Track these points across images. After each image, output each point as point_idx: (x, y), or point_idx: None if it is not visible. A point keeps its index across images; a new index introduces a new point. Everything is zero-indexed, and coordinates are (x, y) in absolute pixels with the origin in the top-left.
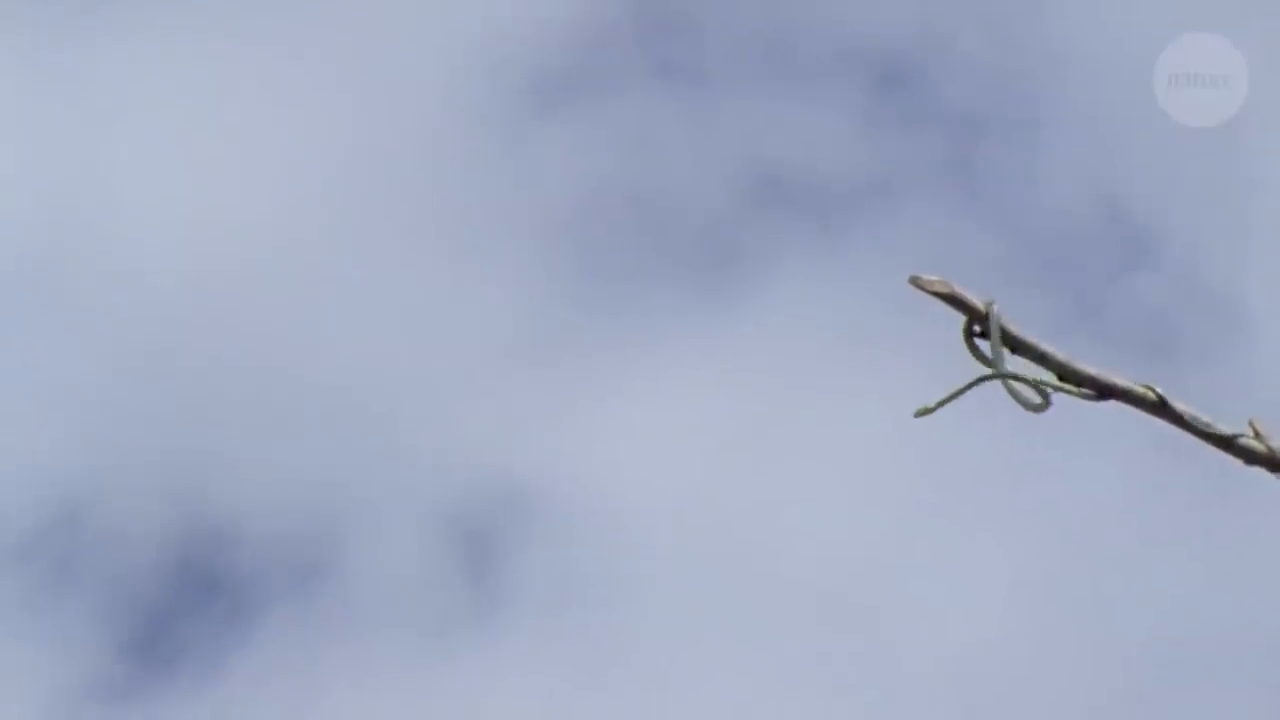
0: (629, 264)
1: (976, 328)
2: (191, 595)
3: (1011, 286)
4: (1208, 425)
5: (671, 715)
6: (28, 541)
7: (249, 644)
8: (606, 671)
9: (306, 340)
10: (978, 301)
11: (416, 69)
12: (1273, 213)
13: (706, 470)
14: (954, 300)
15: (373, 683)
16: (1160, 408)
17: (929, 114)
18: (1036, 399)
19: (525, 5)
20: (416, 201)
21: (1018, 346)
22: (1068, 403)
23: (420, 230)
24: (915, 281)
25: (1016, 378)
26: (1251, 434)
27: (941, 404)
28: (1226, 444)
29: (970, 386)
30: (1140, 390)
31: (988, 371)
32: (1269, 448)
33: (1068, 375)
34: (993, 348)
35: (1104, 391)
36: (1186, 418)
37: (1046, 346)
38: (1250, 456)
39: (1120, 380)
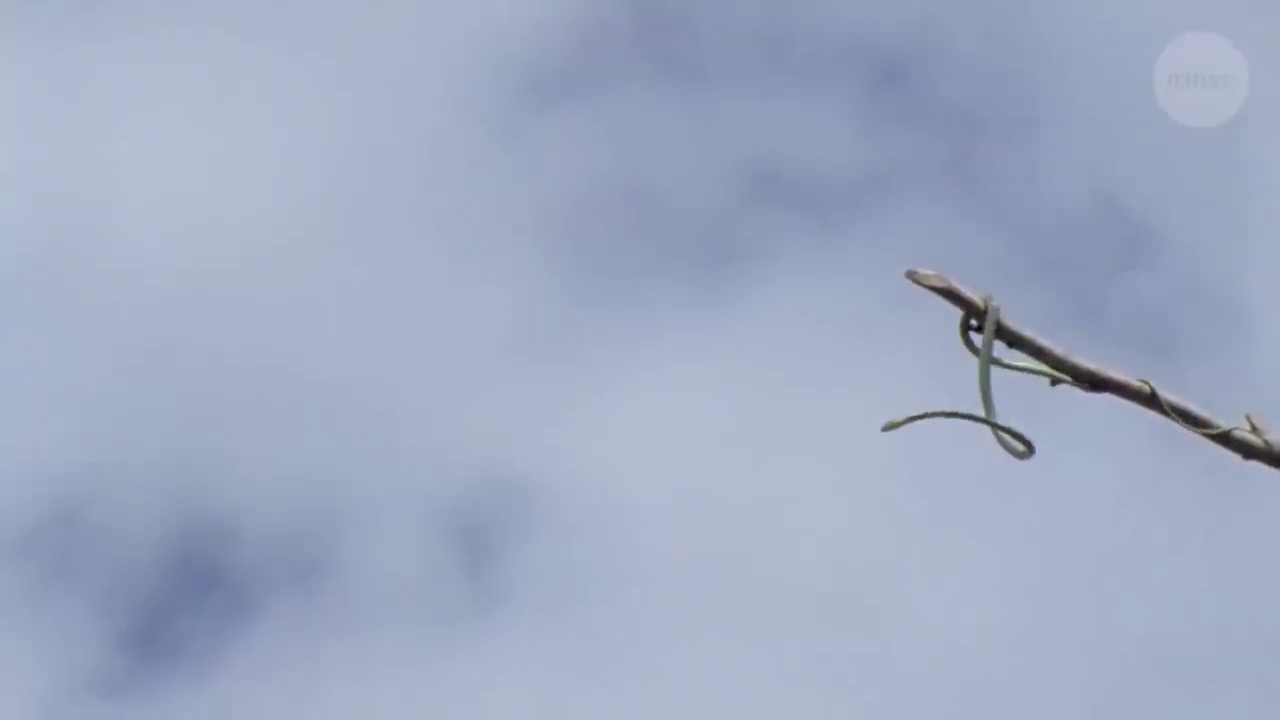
0: (628, 260)
1: (974, 322)
2: (191, 590)
3: (1009, 283)
4: (1205, 420)
5: (670, 710)
6: (28, 537)
7: (248, 639)
8: (605, 666)
9: (306, 337)
10: (975, 296)
11: (416, 66)
12: (1271, 211)
13: (706, 465)
14: (951, 295)
15: (372, 678)
16: (1156, 402)
17: (928, 111)
18: (1020, 449)
19: (524, 3)
20: (416, 198)
21: (1015, 341)
22: (1067, 401)
23: (419, 227)
24: (913, 276)
25: (1000, 428)
26: (1249, 428)
27: (911, 420)
28: (1224, 439)
29: (944, 415)
30: (1136, 385)
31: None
32: (1266, 442)
33: (1065, 369)
34: (984, 342)
35: (1100, 385)
36: (1183, 412)
37: (1044, 341)
38: (1248, 451)
39: (1117, 375)
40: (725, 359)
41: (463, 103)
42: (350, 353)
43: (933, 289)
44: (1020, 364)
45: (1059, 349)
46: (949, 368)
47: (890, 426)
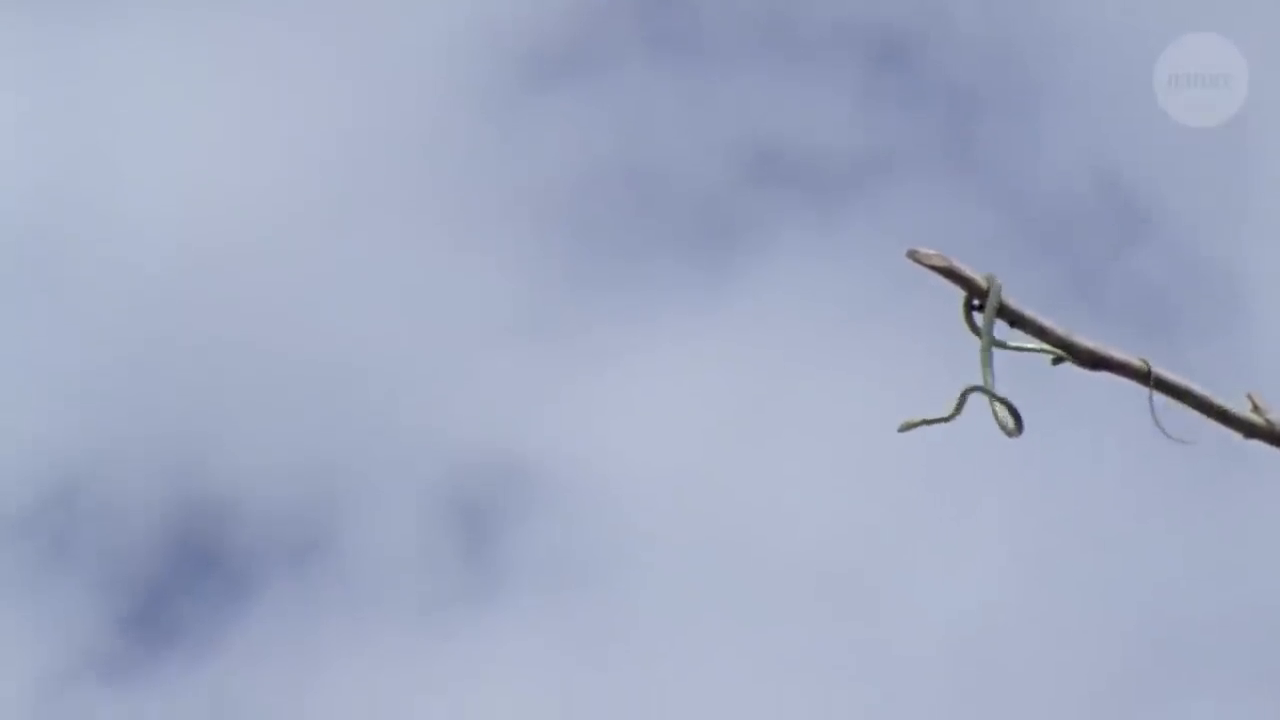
0: (627, 240)
1: (976, 302)
2: (190, 571)
3: (1010, 263)
4: (1206, 399)
5: (669, 691)
6: (27, 518)
7: (247, 619)
8: (604, 647)
9: (305, 318)
10: (977, 276)
11: (415, 47)
12: (1271, 191)
13: (705, 446)
14: (952, 275)
15: (370, 658)
16: (1160, 382)
17: (928, 91)
18: (1011, 424)
19: None
20: (414, 180)
21: (1016, 320)
22: (1069, 380)
23: (418, 208)
24: (914, 256)
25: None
26: (1250, 408)
27: (926, 423)
28: (1225, 417)
29: (958, 409)
30: (1137, 364)
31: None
32: (1268, 420)
33: (1066, 349)
34: (986, 320)
35: (1101, 365)
36: (1183, 391)
37: (1045, 320)
38: (1249, 430)
39: (1117, 354)
40: (724, 339)
41: (462, 83)
42: (349, 334)
43: (934, 268)
44: (1022, 344)
45: (1060, 329)
46: (950, 347)
47: (907, 427)
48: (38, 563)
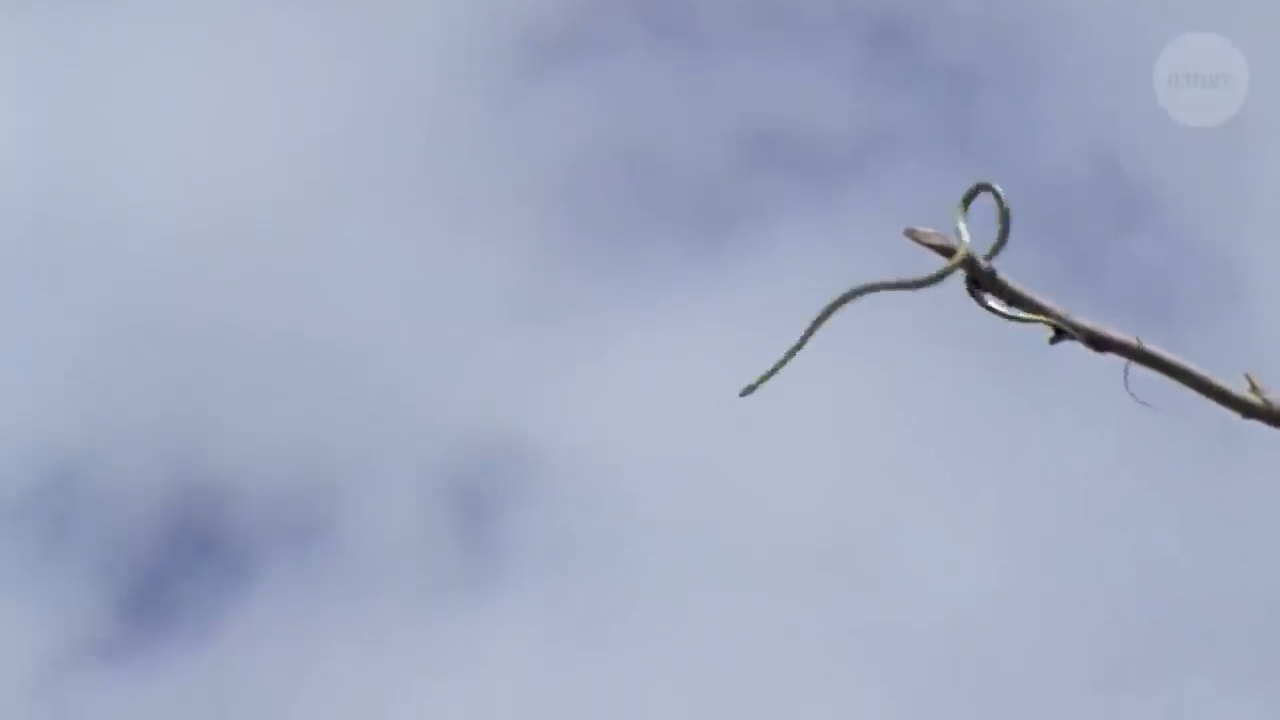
0: (626, 223)
1: (976, 279)
2: (188, 554)
3: (1008, 245)
4: (1204, 379)
5: (670, 672)
6: (26, 502)
7: (246, 602)
8: (604, 629)
9: (303, 302)
10: (975, 253)
11: (413, 30)
12: (1269, 175)
13: (705, 428)
14: (950, 253)
15: (370, 640)
16: (1156, 361)
17: (926, 72)
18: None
19: None
20: (413, 163)
21: (1015, 299)
22: (1068, 362)
23: (417, 192)
24: (911, 234)
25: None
26: (1248, 388)
27: (766, 378)
28: (1223, 397)
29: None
30: (1133, 342)
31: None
32: (1265, 400)
33: (1066, 328)
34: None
35: (1101, 345)
36: (1182, 371)
37: (1043, 299)
38: (1247, 409)
39: (1116, 334)
40: (724, 322)
41: (461, 66)
42: (348, 318)
43: (931, 247)
44: (1023, 315)
45: (1060, 308)
46: (948, 326)
47: (748, 390)
48: (36, 547)
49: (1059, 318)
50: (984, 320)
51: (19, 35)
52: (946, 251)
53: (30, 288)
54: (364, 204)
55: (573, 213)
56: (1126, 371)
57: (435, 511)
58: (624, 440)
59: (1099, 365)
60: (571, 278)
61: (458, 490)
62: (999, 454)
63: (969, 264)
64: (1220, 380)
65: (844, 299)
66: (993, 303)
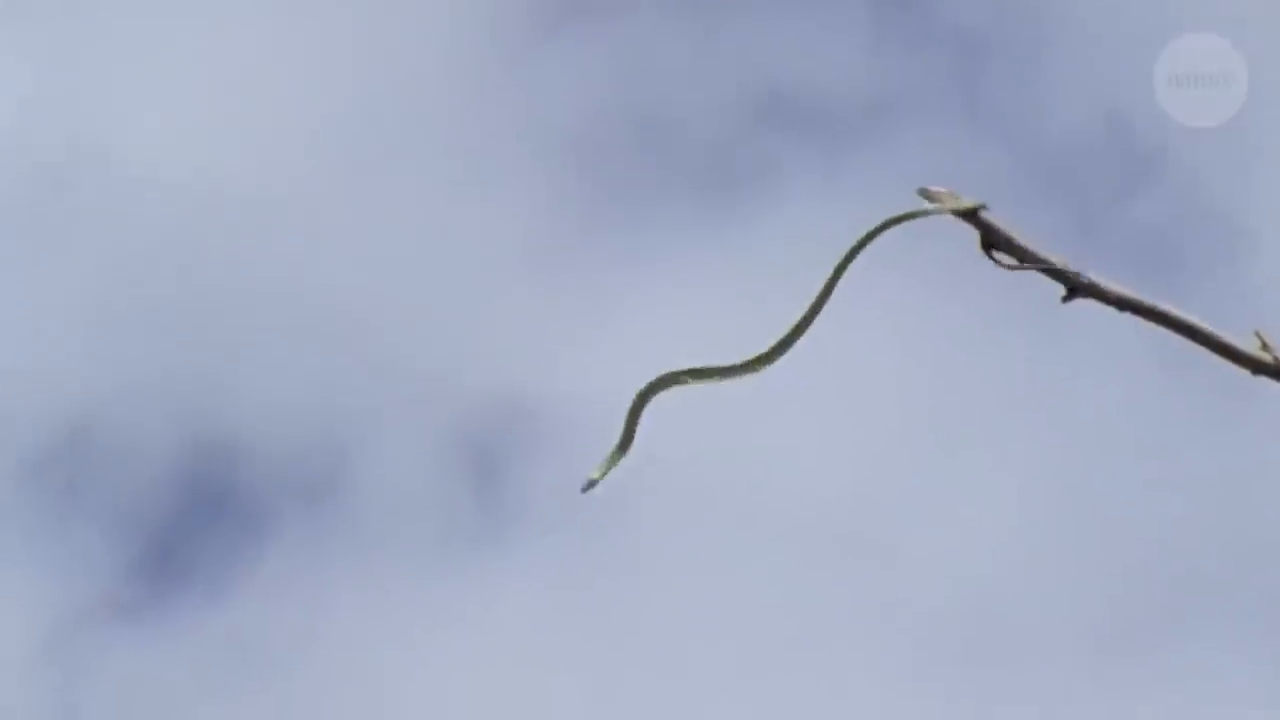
0: (636, 183)
1: (991, 240)
2: (202, 512)
3: (1017, 204)
4: (1214, 336)
5: (673, 629)
6: (41, 461)
7: (259, 559)
8: (610, 583)
9: (315, 259)
10: (990, 217)
11: None
12: (1273, 131)
13: (711, 387)
14: (960, 212)
15: (381, 596)
16: (1168, 319)
17: (935, 33)
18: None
19: None
20: (425, 122)
21: (1027, 258)
22: (1078, 322)
23: (428, 150)
24: (924, 193)
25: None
26: (1258, 345)
27: (608, 469)
28: (1232, 354)
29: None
30: (1149, 303)
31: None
32: (1275, 357)
33: (1079, 288)
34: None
35: (1111, 302)
36: (1192, 329)
37: (1052, 256)
38: (1256, 366)
39: (1128, 292)
40: (732, 281)
41: (476, 27)
42: (359, 278)
43: (943, 205)
44: (1024, 266)
45: (1072, 267)
46: (957, 287)
47: (590, 485)
48: (51, 506)
49: (1068, 277)
50: (997, 281)
51: None
52: (957, 211)
53: (46, 248)
54: (377, 164)
55: (585, 172)
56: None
57: (446, 468)
58: (631, 397)
59: (1109, 325)
60: (583, 237)
61: (468, 447)
62: (1009, 421)
63: (979, 221)
64: (1229, 337)
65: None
66: (1004, 259)
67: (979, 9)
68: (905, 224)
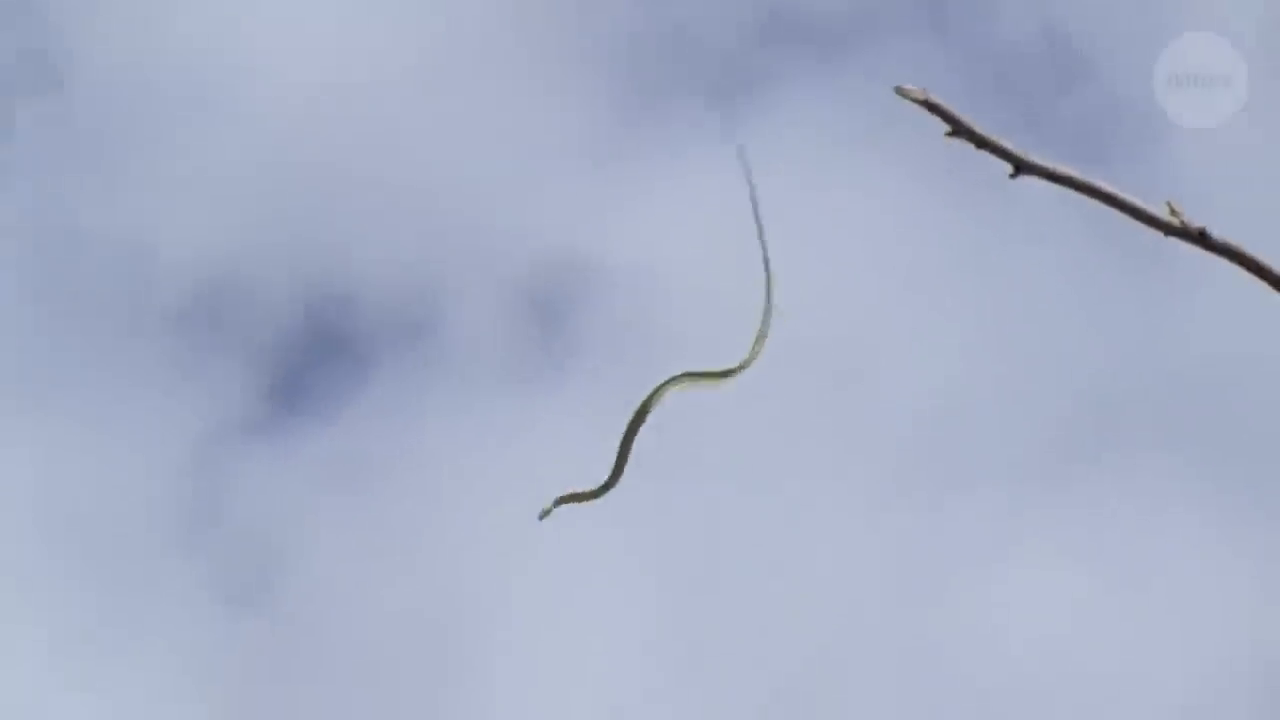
0: (665, 88)
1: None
2: (320, 350)
3: (974, 106)
4: (1135, 205)
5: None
6: (188, 305)
7: (366, 389)
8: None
9: (414, 147)
10: (951, 107)
11: None
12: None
13: (727, 248)
14: (931, 106)
15: (467, 422)
16: (1096, 191)
17: None
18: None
19: None
20: (502, 37)
21: (983, 143)
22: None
23: (504, 60)
24: (899, 91)
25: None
26: (1169, 212)
27: (561, 502)
28: (1148, 219)
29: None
30: (1082, 179)
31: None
32: (1182, 222)
33: (1024, 166)
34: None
35: (1056, 179)
36: (1120, 199)
37: (1005, 142)
38: (1168, 229)
39: (1064, 169)
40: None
41: None
42: (449, 158)
43: (916, 102)
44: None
45: (1018, 150)
46: (928, 172)
47: (546, 513)
48: (197, 344)
49: (1018, 159)
50: (957, 160)
51: None
52: (927, 105)
53: (194, 126)
54: (465, 71)
55: (626, 77)
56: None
57: (517, 314)
58: (663, 255)
59: (1049, 199)
60: (625, 129)
61: (535, 298)
62: (971, 272)
63: (943, 113)
64: (1146, 206)
65: (657, 392)
66: (964, 143)
67: None
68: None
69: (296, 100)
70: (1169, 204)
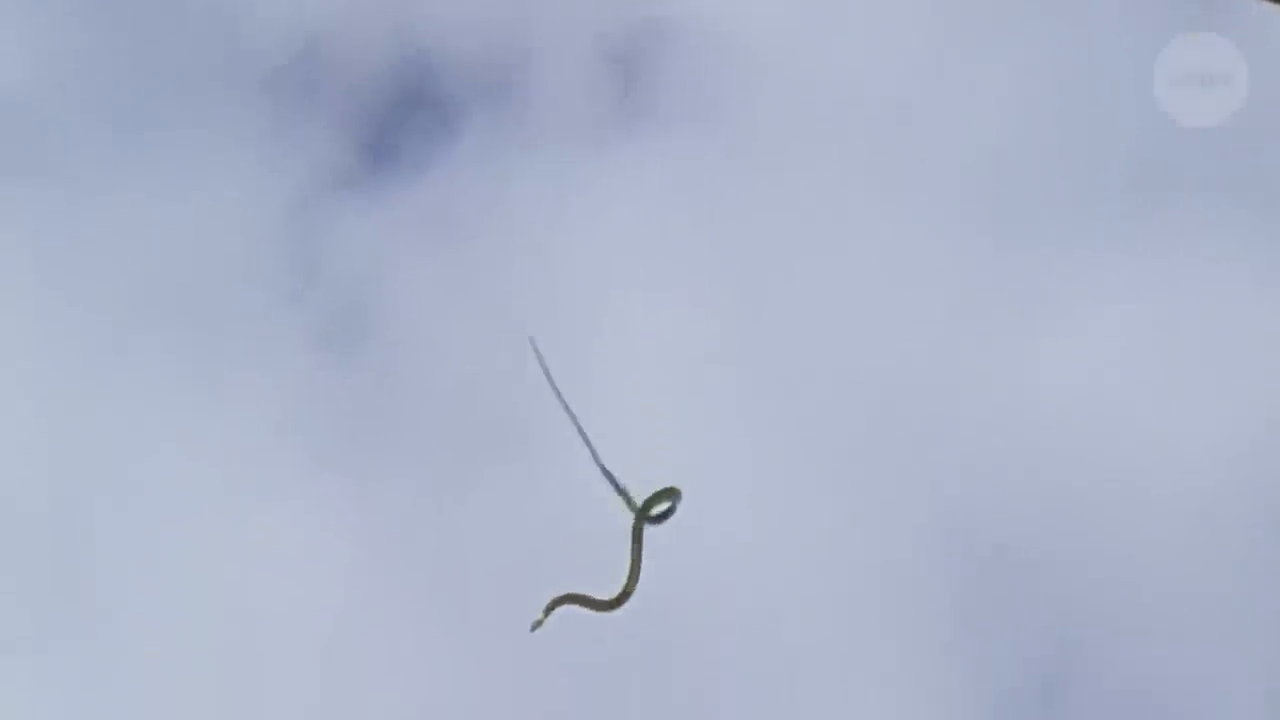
0: None
1: None
2: (409, 108)
3: None
4: None
5: (766, 208)
6: (282, 68)
7: (453, 145)
8: (732, 165)
9: None
10: None
11: None
12: None
13: (812, 16)
14: None
15: (549, 175)
16: None
17: None
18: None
19: None
20: None
21: None
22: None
23: None
24: None
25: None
26: None
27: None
28: None
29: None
30: None
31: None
32: None
33: None
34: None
35: None
36: None
37: None
38: None
39: None
40: None
41: None
42: None
43: None
44: None
45: None
46: None
47: (538, 624)
48: (292, 105)
49: None
50: None
51: None
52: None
53: None
54: None
55: None
56: None
57: (598, 74)
58: (747, 23)
59: None
60: None
61: (617, 58)
62: (1003, 35)
63: None
64: None
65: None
66: None
67: None
68: None
69: None
70: None
